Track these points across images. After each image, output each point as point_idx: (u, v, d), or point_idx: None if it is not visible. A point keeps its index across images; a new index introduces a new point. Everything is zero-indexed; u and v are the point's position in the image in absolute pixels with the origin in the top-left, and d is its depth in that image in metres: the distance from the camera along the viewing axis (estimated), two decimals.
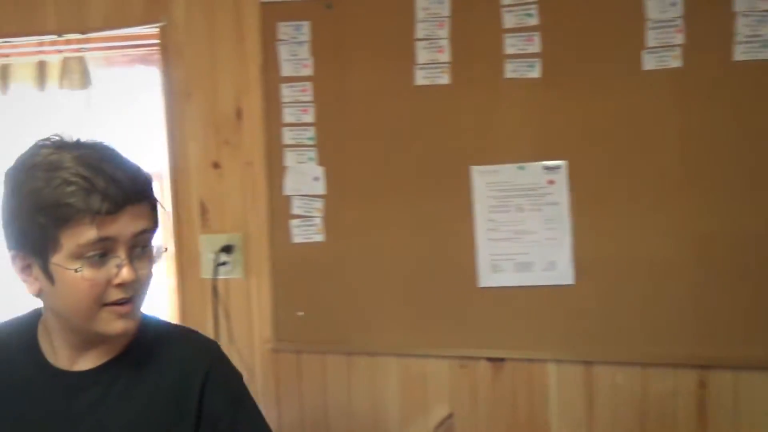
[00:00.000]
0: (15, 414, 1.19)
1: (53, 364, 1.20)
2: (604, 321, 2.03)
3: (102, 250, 1.09)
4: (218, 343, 1.33)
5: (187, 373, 1.21)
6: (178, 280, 2.37)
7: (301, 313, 2.26)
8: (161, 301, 2.46)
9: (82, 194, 1.06)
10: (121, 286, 1.11)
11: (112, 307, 1.12)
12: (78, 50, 2.34)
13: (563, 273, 2.05)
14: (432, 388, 2.21)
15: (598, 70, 2.00)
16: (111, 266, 1.10)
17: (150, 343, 1.23)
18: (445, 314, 2.15)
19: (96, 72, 2.36)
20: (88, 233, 1.07)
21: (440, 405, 2.21)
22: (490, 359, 2.15)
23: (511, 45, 2.05)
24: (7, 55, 2.39)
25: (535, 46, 2.03)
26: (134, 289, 1.13)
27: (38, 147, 1.13)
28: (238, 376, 1.30)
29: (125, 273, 1.10)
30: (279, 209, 2.25)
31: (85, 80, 2.32)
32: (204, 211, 2.33)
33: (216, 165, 2.31)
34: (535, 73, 2.03)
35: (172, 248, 2.36)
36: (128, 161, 1.14)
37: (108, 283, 1.10)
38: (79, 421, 1.17)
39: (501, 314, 2.11)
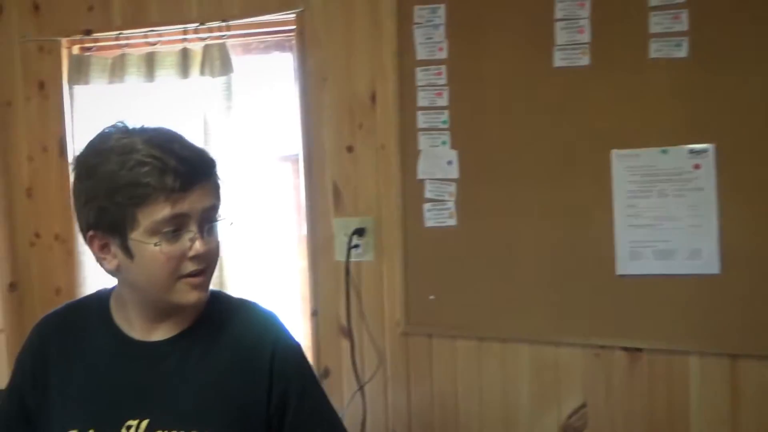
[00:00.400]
0: (96, 383, 1.27)
1: (131, 336, 1.28)
2: (753, 312, 1.94)
3: (176, 226, 1.17)
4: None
5: (258, 342, 1.28)
6: (310, 262, 2.43)
7: (432, 297, 2.27)
8: (292, 283, 2.54)
9: (156, 174, 1.14)
10: (195, 258, 1.19)
11: (186, 279, 1.20)
12: (219, 38, 2.43)
13: (708, 262, 1.97)
14: (565, 376, 2.18)
15: (750, 49, 1.91)
16: (185, 240, 1.18)
17: (219, 315, 1.31)
18: (580, 301, 2.12)
19: (234, 59, 2.45)
20: (164, 210, 1.15)
21: (573, 395, 2.18)
22: (626, 349, 2.10)
23: (657, 23, 1.98)
24: (152, 44, 2.52)
25: (682, 24, 1.96)
26: (206, 262, 1.21)
27: (107, 133, 1.22)
28: (298, 345, 1.36)
29: (198, 246, 1.18)
30: (412, 193, 2.27)
31: (225, 67, 2.41)
32: (337, 194, 2.38)
33: (350, 149, 2.36)
34: (682, 52, 1.96)
35: (304, 231, 2.43)
36: (192, 143, 1.22)
37: (183, 256, 1.18)
38: (157, 389, 1.24)
39: (639, 303, 2.05)
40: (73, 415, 1.25)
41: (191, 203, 1.16)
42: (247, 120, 2.49)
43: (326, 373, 2.41)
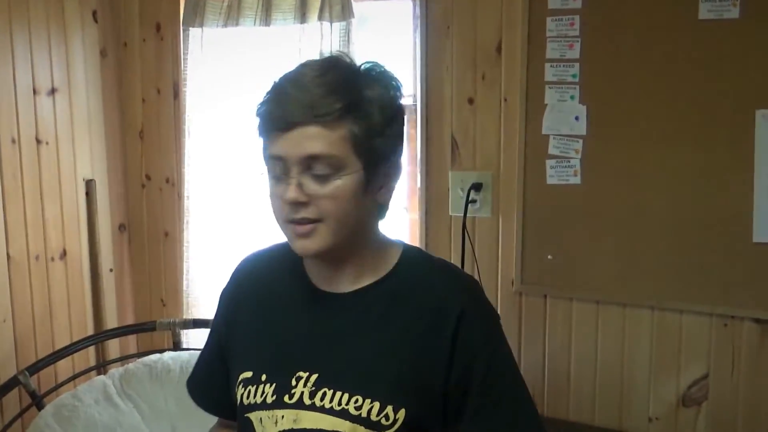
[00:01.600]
0: (276, 330, 1.27)
1: (317, 286, 1.26)
2: None
3: (278, 168, 1.16)
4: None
5: (445, 305, 1.19)
6: (424, 216, 2.44)
7: (550, 257, 2.26)
8: (404, 235, 2.55)
9: (261, 112, 1.16)
10: (290, 204, 1.14)
11: (292, 225, 1.16)
12: None
13: None
14: (687, 345, 2.15)
15: None
16: (284, 184, 1.15)
17: (409, 272, 1.24)
18: (710, 268, 2.07)
19: (354, 4, 2.45)
20: (266, 150, 1.17)
21: (695, 365, 2.14)
22: (758, 321, 2.05)
23: None
24: None
25: None
26: (308, 212, 1.14)
27: None
28: (494, 317, 1.26)
29: (285, 191, 1.14)
30: (534, 149, 2.25)
31: (345, 12, 2.41)
32: (455, 147, 2.38)
33: (470, 101, 2.35)
34: None
35: (419, 184, 2.44)
36: (322, 82, 1.13)
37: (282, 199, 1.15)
38: (339, 338, 1.21)
39: None
40: (250, 358, 1.26)
41: (287, 145, 1.13)
42: None
43: None
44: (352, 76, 1.17)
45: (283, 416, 1.18)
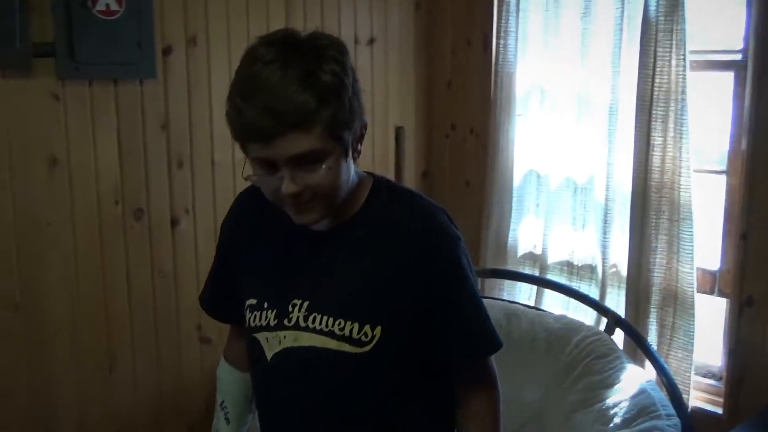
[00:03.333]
0: (275, 261, 1.47)
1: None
2: None
3: (268, 166, 1.27)
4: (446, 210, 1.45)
5: (410, 232, 1.38)
6: (747, 181, 2.36)
7: None
8: (720, 202, 2.49)
9: (238, 121, 1.24)
10: (285, 196, 1.27)
11: (290, 206, 1.31)
12: None
13: None
14: None
15: None
16: (278, 179, 1.26)
17: (378, 206, 1.41)
18: None
19: None
20: (252, 152, 1.27)
21: None
22: None
23: None
24: None
25: None
26: (307, 197, 1.28)
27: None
28: (455, 240, 1.40)
29: (283, 187, 1.26)
30: None
31: None
32: None
33: None
34: None
35: (743, 146, 2.36)
36: (291, 86, 1.21)
37: (277, 191, 1.28)
38: (319, 275, 1.41)
39: None
40: (254, 286, 1.48)
41: (274, 150, 1.24)
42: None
43: (749, 302, 2.37)
44: (310, 62, 1.24)
45: (285, 336, 1.42)
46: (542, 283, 2.74)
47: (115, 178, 2.42)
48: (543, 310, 2.66)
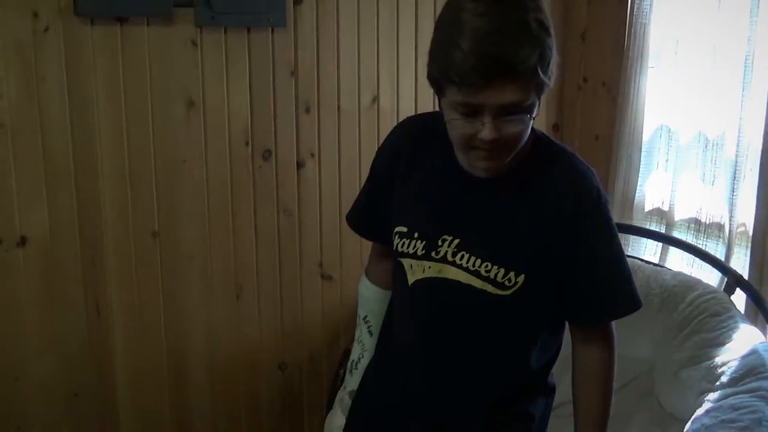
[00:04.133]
0: (429, 194, 1.58)
1: (459, 164, 1.54)
2: None
3: (470, 112, 1.34)
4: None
5: (564, 190, 1.48)
6: None
7: None
8: None
9: (456, 63, 1.29)
10: (482, 141, 1.35)
11: (478, 151, 1.39)
12: None
13: None
14: None
15: None
16: (477, 124, 1.34)
17: (538, 160, 1.49)
18: None
19: None
20: (456, 96, 1.33)
21: None
22: None
23: None
24: None
25: None
26: (495, 146, 1.37)
27: None
28: (604, 202, 1.51)
29: (486, 133, 1.34)
30: None
31: None
32: None
33: None
34: None
35: None
36: (522, 34, 1.28)
37: (473, 136, 1.36)
38: (473, 217, 1.53)
39: None
40: (406, 215, 1.60)
41: (486, 97, 1.31)
42: None
43: None
44: (524, 13, 1.30)
45: (429, 267, 1.54)
46: (665, 239, 2.75)
47: (246, 121, 2.62)
48: (661, 266, 2.66)
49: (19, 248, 2.35)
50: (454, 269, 1.52)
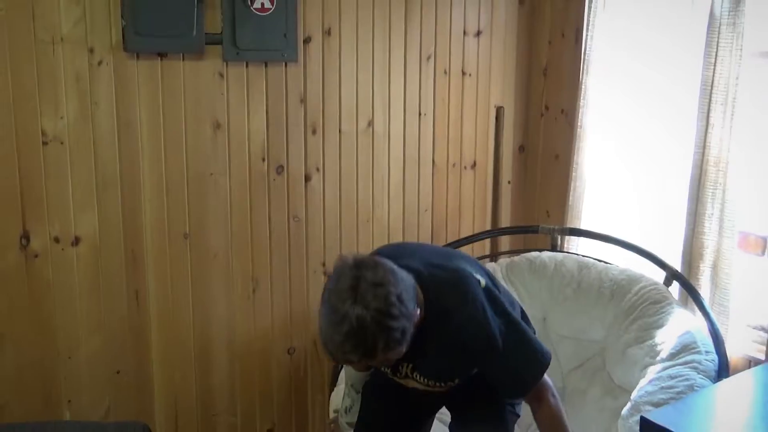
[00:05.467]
0: None
1: None
2: None
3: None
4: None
5: (464, 338, 1.87)
6: None
7: None
8: None
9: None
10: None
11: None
12: None
13: None
14: None
15: None
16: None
17: (434, 314, 1.84)
18: None
19: None
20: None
21: None
22: None
23: None
24: None
25: None
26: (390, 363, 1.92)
27: (340, 271, 1.72)
28: (484, 321, 1.87)
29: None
30: None
31: None
32: None
33: None
34: None
35: None
36: (356, 335, 1.64)
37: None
38: (414, 351, 1.84)
39: None
40: None
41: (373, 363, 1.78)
42: None
43: None
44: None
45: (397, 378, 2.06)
46: (611, 240, 2.93)
47: (263, 141, 2.81)
48: (610, 264, 2.88)
49: (73, 247, 2.55)
50: (412, 381, 2.03)
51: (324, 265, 3.04)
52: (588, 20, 3.04)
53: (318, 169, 2.97)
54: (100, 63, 2.49)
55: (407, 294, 1.70)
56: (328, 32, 2.89)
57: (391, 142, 3.12)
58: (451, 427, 2.23)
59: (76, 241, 2.55)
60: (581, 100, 3.08)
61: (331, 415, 2.56)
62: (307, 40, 2.85)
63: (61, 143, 2.47)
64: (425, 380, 1.99)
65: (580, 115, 3.09)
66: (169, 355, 2.80)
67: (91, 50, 2.47)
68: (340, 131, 2.99)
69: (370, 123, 3.06)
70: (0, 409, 2.52)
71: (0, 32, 2.33)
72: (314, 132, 2.93)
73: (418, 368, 1.98)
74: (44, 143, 2.46)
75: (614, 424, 2.38)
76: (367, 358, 1.68)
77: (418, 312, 1.77)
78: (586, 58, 3.06)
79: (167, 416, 2.84)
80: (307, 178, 2.95)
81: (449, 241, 3.18)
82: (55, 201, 2.50)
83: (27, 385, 2.56)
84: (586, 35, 3.06)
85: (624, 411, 2.25)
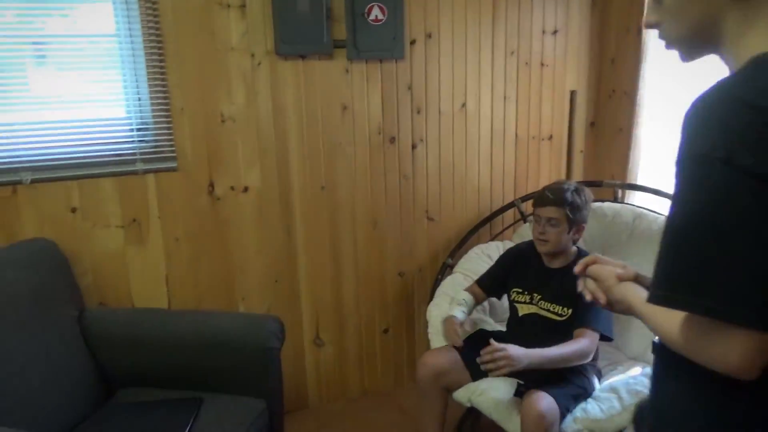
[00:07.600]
0: (528, 279, 2.63)
1: (544, 264, 2.62)
2: None
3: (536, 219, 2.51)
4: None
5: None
6: None
7: None
8: None
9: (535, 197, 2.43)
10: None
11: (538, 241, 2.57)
12: None
13: None
14: None
15: None
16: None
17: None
18: None
19: None
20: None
21: None
22: None
23: None
24: None
25: None
26: (541, 239, 2.53)
27: None
28: None
29: (535, 232, 2.55)
30: None
31: None
32: None
33: None
34: None
35: None
36: (566, 189, 2.50)
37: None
38: (548, 285, 2.55)
39: None
40: (519, 282, 2.71)
41: (540, 213, 2.47)
42: None
43: None
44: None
45: (529, 307, 2.60)
46: (660, 193, 3.10)
47: (379, 119, 3.13)
48: (663, 214, 3.00)
49: (244, 193, 3.04)
50: (536, 307, 2.57)
51: (427, 212, 3.42)
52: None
53: (422, 140, 3.26)
54: (259, 64, 2.84)
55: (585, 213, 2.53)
56: (429, 36, 3.18)
57: (480, 120, 3.47)
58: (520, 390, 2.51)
59: (246, 189, 2.95)
60: (640, 83, 3.32)
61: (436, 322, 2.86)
62: (412, 42, 3.13)
63: (234, 121, 2.84)
64: (548, 306, 2.54)
65: (639, 95, 3.34)
66: (312, 272, 3.16)
67: (253, 55, 2.83)
68: (439, 111, 3.27)
69: (464, 105, 3.34)
70: (199, 301, 3.02)
71: (195, 46, 2.87)
72: (419, 112, 3.23)
73: (546, 296, 2.56)
74: (222, 121, 2.84)
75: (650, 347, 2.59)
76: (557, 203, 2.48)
77: (581, 233, 2.54)
78: (644, 48, 3.30)
79: (311, 314, 3.25)
80: (414, 147, 3.24)
81: (529, 191, 3.51)
82: (230, 161, 2.88)
83: (216, 287, 3.01)
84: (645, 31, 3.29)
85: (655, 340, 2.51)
